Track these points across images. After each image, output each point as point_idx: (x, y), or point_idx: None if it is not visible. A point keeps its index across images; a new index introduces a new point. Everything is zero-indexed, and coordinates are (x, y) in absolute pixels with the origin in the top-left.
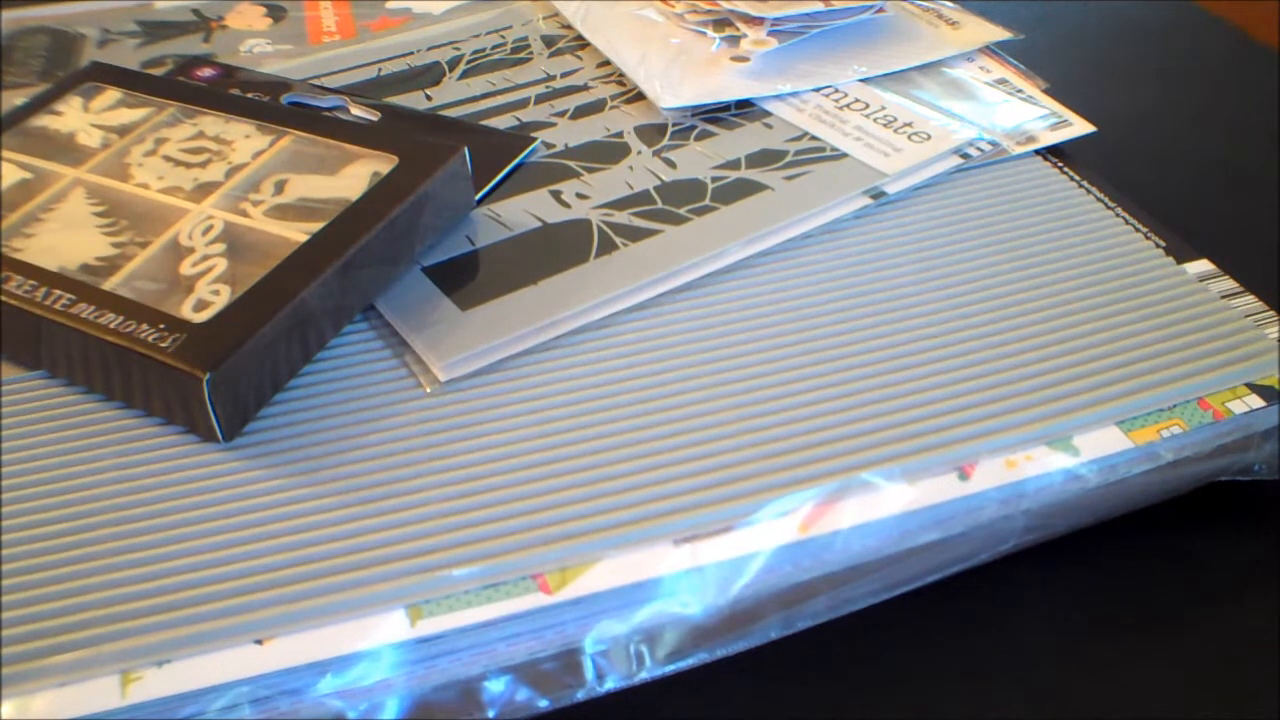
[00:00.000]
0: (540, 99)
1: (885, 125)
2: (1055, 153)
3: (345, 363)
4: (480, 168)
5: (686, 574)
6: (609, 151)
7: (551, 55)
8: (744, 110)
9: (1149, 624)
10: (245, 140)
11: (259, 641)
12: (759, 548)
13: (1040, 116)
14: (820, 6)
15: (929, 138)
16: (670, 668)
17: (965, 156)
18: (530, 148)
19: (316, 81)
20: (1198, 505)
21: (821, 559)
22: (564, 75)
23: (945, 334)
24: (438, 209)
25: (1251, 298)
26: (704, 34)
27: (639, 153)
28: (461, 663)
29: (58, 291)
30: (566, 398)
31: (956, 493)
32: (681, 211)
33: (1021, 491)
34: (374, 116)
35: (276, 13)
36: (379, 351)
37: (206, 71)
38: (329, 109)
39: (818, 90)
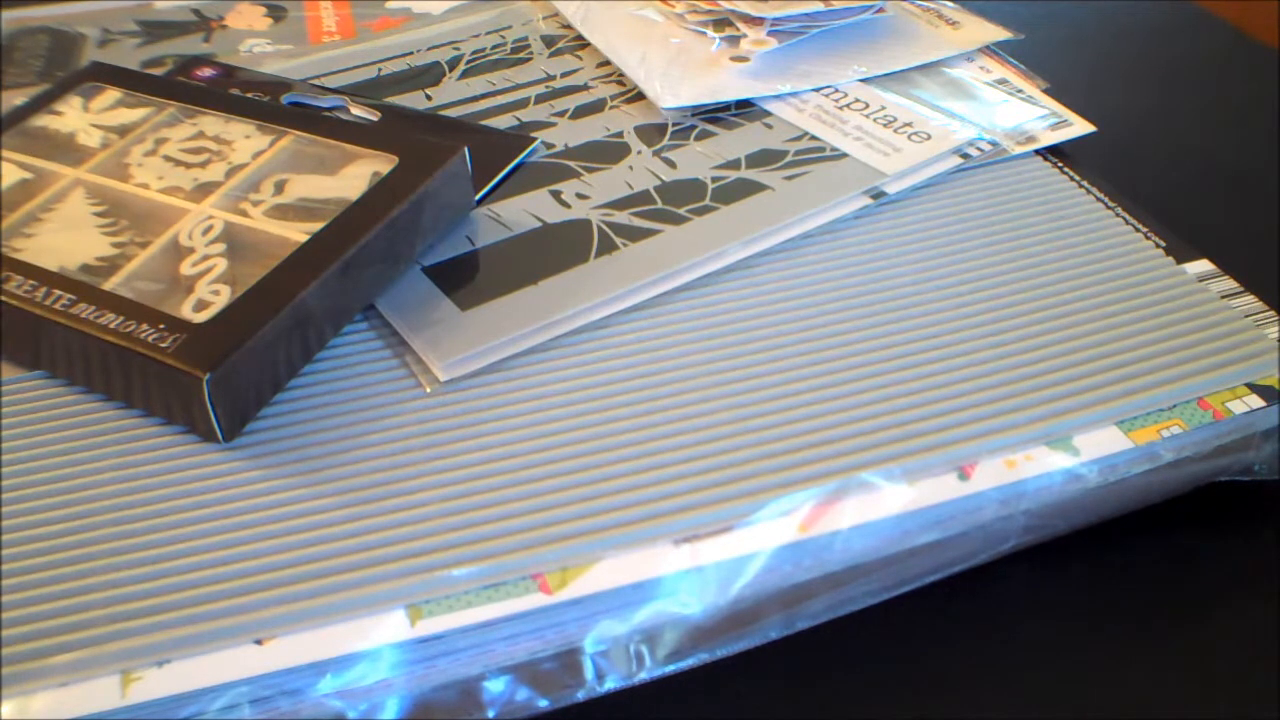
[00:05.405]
0: (540, 99)
1: (885, 125)
2: (1055, 153)
3: (345, 363)
4: (480, 168)
5: (686, 574)
6: (609, 151)
7: (551, 55)
8: (744, 110)
9: (1149, 624)
10: (245, 140)
11: (259, 641)
12: (759, 548)
13: (1040, 116)
14: (820, 6)
15: (929, 138)
16: (670, 668)
17: (965, 156)
18: (530, 148)
19: (316, 81)
20: (1198, 505)
21: (821, 559)
22: (564, 75)
23: (945, 334)
24: (438, 209)
25: (1251, 298)
26: (704, 34)
27: (639, 153)
28: (461, 663)
29: (58, 291)
30: (566, 398)
31: (956, 493)
32: (681, 211)
33: (1021, 491)
34: (374, 116)
35: (276, 13)
36: (379, 351)
37: (206, 71)
38: (329, 109)
39: (818, 90)
